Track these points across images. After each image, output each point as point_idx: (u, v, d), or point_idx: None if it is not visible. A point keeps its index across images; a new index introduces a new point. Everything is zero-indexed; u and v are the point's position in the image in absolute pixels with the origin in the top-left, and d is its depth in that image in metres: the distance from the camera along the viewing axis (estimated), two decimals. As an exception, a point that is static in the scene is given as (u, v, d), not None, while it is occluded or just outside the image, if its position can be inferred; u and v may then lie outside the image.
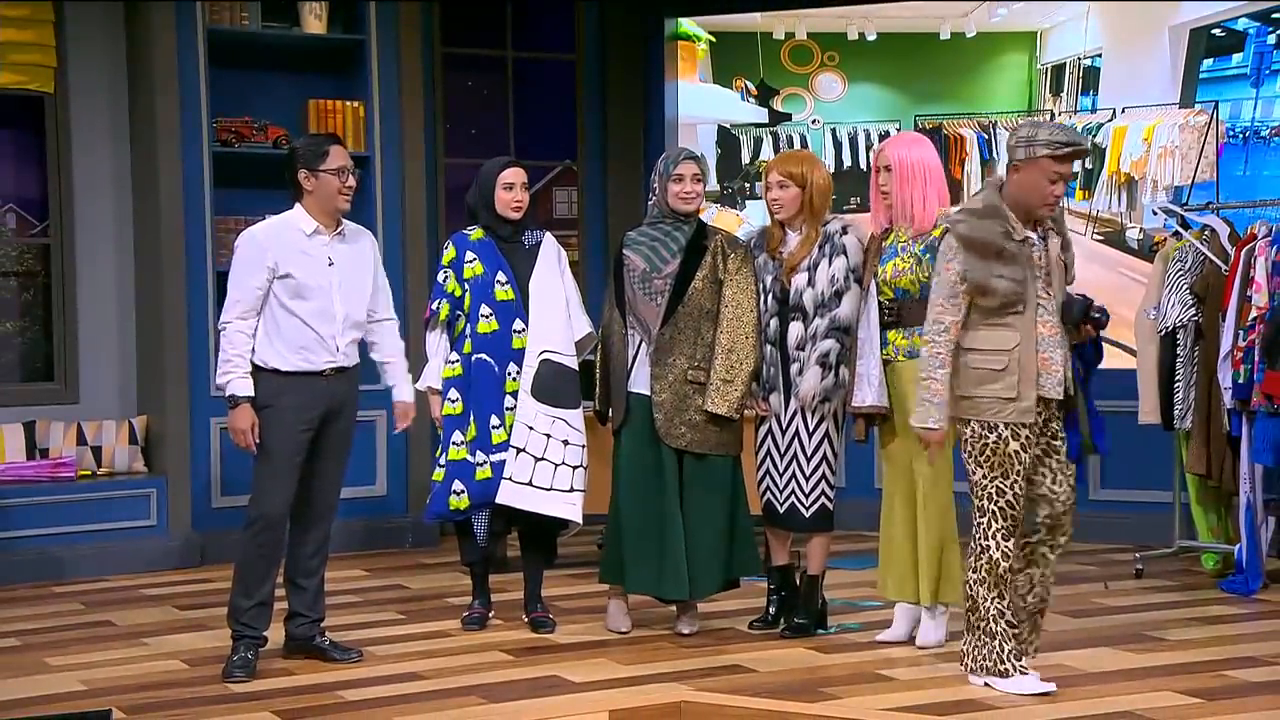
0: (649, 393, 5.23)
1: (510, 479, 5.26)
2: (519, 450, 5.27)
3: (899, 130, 7.65)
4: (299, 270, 4.86)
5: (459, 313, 5.38)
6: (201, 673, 4.92)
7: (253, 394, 4.84)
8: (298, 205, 4.96)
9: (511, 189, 5.36)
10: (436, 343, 5.43)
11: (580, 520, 5.38)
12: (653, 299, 5.24)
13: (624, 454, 5.30)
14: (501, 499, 5.27)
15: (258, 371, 4.88)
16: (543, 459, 5.28)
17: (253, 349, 4.87)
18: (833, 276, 5.14)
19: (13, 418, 6.72)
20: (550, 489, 5.28)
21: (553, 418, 5.30)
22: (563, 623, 5.52)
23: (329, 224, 4.95)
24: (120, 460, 6.84)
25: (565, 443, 5.31)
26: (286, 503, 4.90)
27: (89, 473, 6.76)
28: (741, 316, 5.20)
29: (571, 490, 5.31)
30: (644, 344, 5.27)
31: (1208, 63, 7.10)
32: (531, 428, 5.27)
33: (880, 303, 5.08)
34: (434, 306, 5.41)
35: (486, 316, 5.34)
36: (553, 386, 5.31)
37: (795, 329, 5.18)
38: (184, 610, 5.84)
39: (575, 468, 5.33)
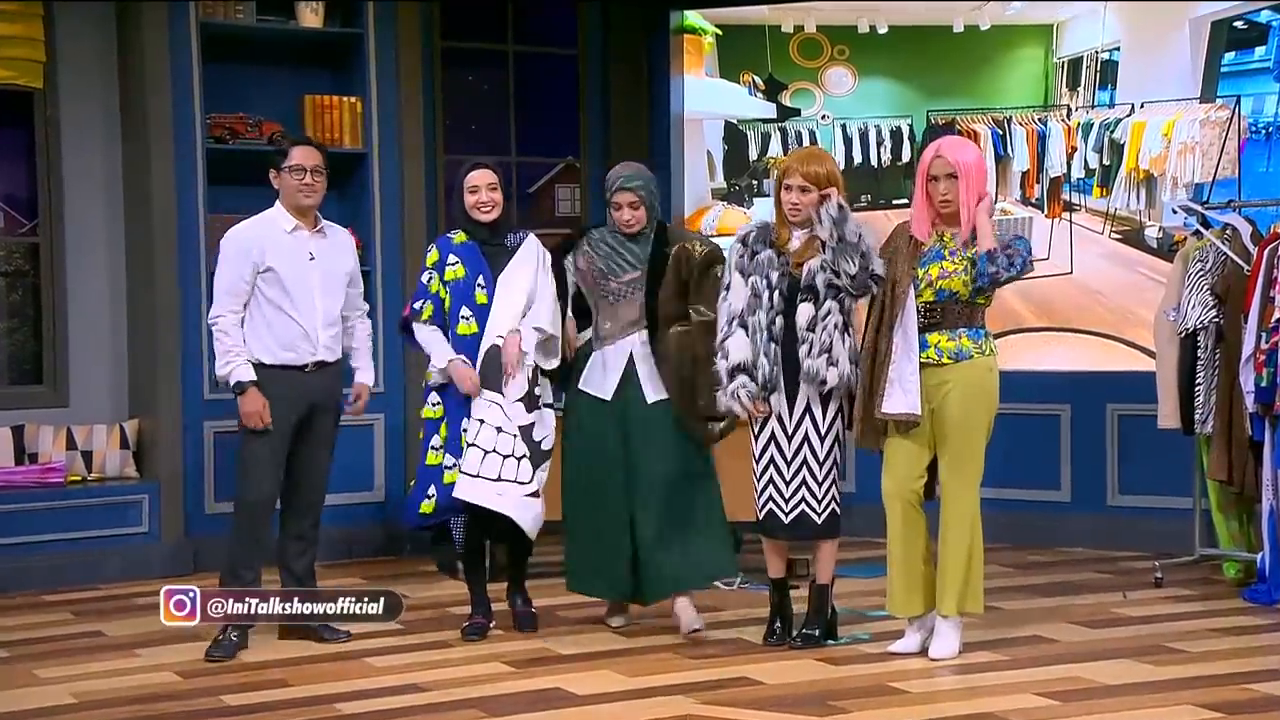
0: (605, 396, 5.39)
1: (463, 472, 5.32)
2: (469, 444, 5.32)
3: (910, 126, 7.66)
4: (282, 264, 5.25)
5: (444, 315, 5.46)
6: (195, 685, 4.92)
7: (256, 378, 5.22)
8: (277, 203, 5.39)
9: (476, 192, 5.44)
10: (429, 334, 5.46)
11: (509, 512, 5.32)
12: (608, 298, 5.44)
13: (578, 455, 5.48)
14: (458, 494, 5.31)
15: None
16: (492, 452, 5.32)
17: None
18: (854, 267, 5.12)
19: (1, 421, 6.71)
20: (498, 479, 5.30)
21: (489, 402, 5.32)
22: (565, 633, 5.52)
23: (306, 221, 5.34)
24: (111, 465, 6.84)
25: (498, 429, 5.34)
26: (273, 490, 5.32)
27: (79, 478, 6.76)
28: (711, 324, 5.29)
29: (499, 480, 5.30)
30: (595, 343, 5.47)
31: (1229, 56, 7.07)
32: (483, 420, 5.32)
33: (918, 305, 5.04)
34: (415, 306, 5.48)
35: (466, 319, 5.42)
36: (492, 371, 5.35)
37: (805, 310, 5.13)
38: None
39: (506, 457, 5.32)
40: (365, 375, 5.56)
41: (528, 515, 5.36)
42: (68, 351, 6.94)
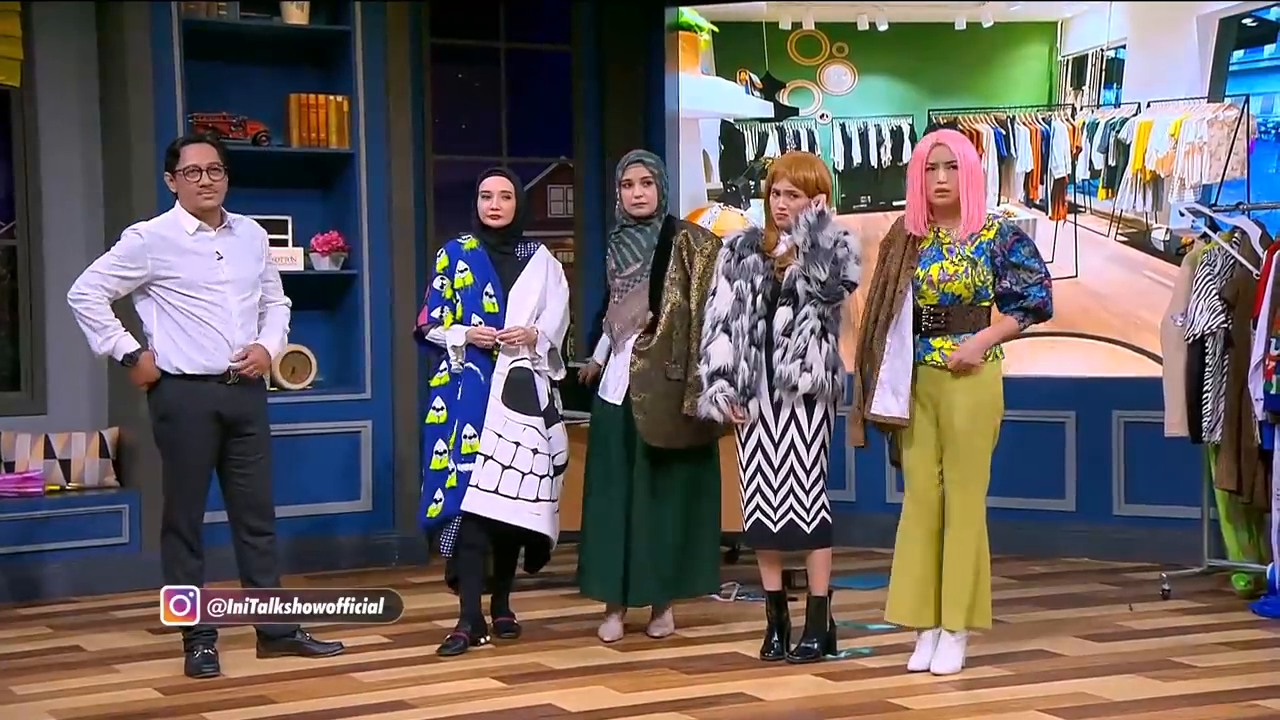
0: (615, 401, 5.51)
1: (477, 486, 5.43)
2: (487, 457, 5.44)
3: (911, 126, 7.66)
4: (189, 270, 5.16)
5: (456, 322, 5.56)
6: (176, 702, 4.90)
7: (140, 346, 5.20)
8: (177, 205, 5.27)
9: (489, 198, 5.57)
10: (437, 330, 5.56)
11: (546, 530, 5.55)
12: (614, 296, 5.57)
13: (594, 459, 5.60)
14: (467, 506, 5.43)
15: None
16: (510, 467, 5.46)
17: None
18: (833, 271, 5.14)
19: (-23, 429, 6.71)
20: (516, 498, 5.46)
21: (523, 425, 5.48)
22: (558, 647, 5.52)
23: (210, 220, 5.22)
24: (90, 474, 6.82)
25: (534, 451, 5.49)
26: (200, 513, 5.23)
27: (57, 487, 6.74)
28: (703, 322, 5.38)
29: (537, 500, 5.50)
30: (613, 348, 5.58)
31: (1238, 54, 7.07)
32: (500, 435, 5.47)
33: (921, 307, 5.05)
34: (434, 314, 5.58)
35: (477, 327, 5.53)
36: (523, 394, 5.50)
37: (783, 314, 5.17)
38: (157, 634, 5.81)
39: (542, 477, 5.51)
40: (268, 341, 5.34)
41: (555, 530, 5.60)
42: (45, 357, 6.92)
